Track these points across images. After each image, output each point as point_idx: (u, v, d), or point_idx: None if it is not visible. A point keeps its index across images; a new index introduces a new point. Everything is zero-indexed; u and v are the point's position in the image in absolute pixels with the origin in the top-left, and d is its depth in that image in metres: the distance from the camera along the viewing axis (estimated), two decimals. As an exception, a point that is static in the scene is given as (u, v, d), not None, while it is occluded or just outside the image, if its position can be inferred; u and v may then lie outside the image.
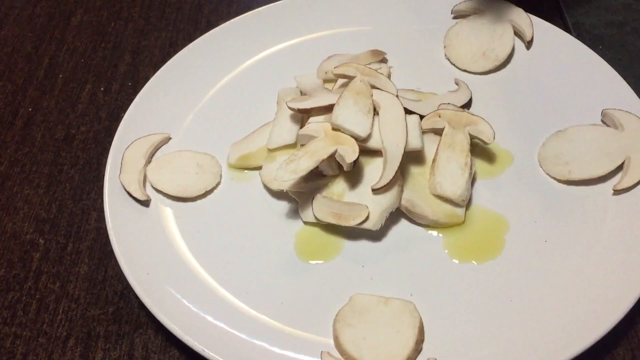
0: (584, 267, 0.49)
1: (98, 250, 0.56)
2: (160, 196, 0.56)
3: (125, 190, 0.55)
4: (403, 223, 0.54)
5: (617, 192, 0.52)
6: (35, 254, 0.56)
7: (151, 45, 0.73)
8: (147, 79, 0.65)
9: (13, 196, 0.61)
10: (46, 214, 0.59)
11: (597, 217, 0.52)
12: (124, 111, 0.61)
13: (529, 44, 0.64)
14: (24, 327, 0.52)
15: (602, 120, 0.57)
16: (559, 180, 0.54)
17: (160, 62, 0.69)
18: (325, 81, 0.62)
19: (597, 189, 0.53)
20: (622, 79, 0.58)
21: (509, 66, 0.63)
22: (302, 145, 0.53)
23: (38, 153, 0.64)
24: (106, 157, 0.58)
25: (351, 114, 0.53)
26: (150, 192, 0.56)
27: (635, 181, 0.52)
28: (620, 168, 0.53)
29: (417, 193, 0.53)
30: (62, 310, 0.53)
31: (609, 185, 0.53)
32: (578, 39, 0.63)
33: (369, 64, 0.64)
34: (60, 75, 0.71)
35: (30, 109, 0.68)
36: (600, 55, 0.61)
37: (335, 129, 0.53)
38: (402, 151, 0.51)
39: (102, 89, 0.69)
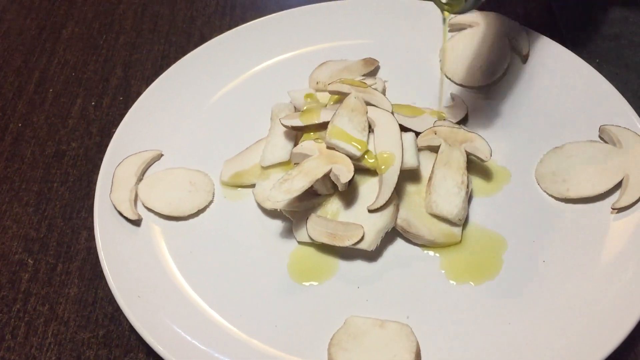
0: (583, 288, 0.48)
1: (88, 270, 0.55)
2: (152, 215, 0.55)
3: (116, 209, 0.54)
4: (399, 243, 0.53)
5: (615, 210, 0.52)
6: (24, 274, 0.55)
7: (143, 59, 0.72)
8: (138, 93, 0.64)
9: (1, 215, 0.60)
10: (35, 233, 0.58)
11: (596, 236, 0.51)
12: (115, 126, 0.60)
13: (525, 58, 0.63)
14: (12, 351, 0.51)
15: (599, 137, 0.56)
16: (557, 198, 0.54)
17: (153, 75, 0.68)
18: (317, 90, 0.61)
19: (595, 207, 0.52)
20: (619, 94, 0.58)
21: (505, 80, 0.62)
22: (296, 164, 0.52)
23: (28, 170, 0.63)
24: (97, 174, 0.57)
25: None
26: (141, 210, 0.55)
27: (634, 199, 0.51)
28: (618, 186, 0.53)
29: (413, 212, 0.52)
30: (51, 333, 0.52)
31: (608, 203, 0.52)
32: (575, 52, 0.62)
33: (363, 74, 0.63)
34: (51, 90, 0.70)
35: (19, 124, 0.67)
36: (597, 70, 0.60)
37: (330, 147, 0.52)
38: (398, 170, 0.51)
39: (93, 103, 0.68)
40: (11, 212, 0.60)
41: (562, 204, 0.53)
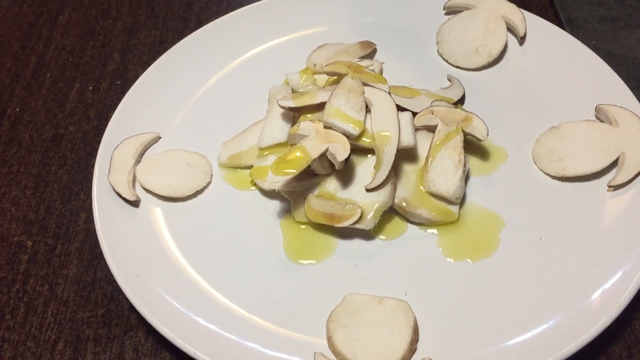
0: (579, 265, 0.48)
1: (87, 251, 0.55)
2: (150, 196, 0.55)
3: (115, 190, 0.54)
4: (396, 221, 0.53)
5: (611, 188, 0.52)
6: (23, 256, 0.56)
7: (140, 44, 0.72)
8: (136, 77, 0.64)
9: (0, 198, 0.60)
10: (34, 215, 0.58)
11: (592, 213, 0.51)
12: (113, 110, 0.60)
13: (522, 40, 0.63)
14: (12, 330, 0.51)
15: (596, 116, 0.56)
16: (553, 177, 0.54)
17: (150, 60, 0.68)
18: (314, 73, 0.62)
19: (591, 185, 0.53)
20: (615, 74, 0.58)
21: (502, 62, 0.63)
22: (294, 144, 0.52)
23: (26, 154, 0.63)
24: (95, 157, 0.57)
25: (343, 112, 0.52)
26: (139, 192, 0.55)
27: (630, 177, 0.51)
28: (614, 164, 0.53)
29: (411, 191, 0.52)
30: (50, 313, 0.52)
31: (604, 181, 0.52)
32: (571, 34, 0.63)
33: (360, 56, 0.63)
34: (48, 75, 0.70)
35: (17, 109, 0.67)
36: (593, 51, 0.60)
37: (327, 127, 0.52)
38: (395, 149, 0.51)
39: (90, 88, 0.68)
40: (10, 195, 0.60)
41: (559, 182, 0.54)
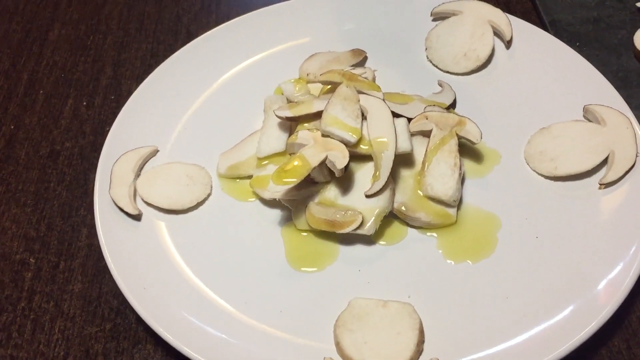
0: (576, 261, 0.50)
1: (91, 267, 0.56)
2: (152, 209, 0.56)
3: (116, 205, 0.55)
4: (396, 225, 0.54)
5: (603, 185, 0.53)
6: (27, 273, 0.56)
7: (132, 57, 0.73)
8: (129, 91, 0.64)
9: (0, 216, 0.60)
10: (35, 232, 0.58)
11: (585, 211, 0.53)
12: (109, 125, 0.61)
13: (508, 44, 0.65)
14: (20, 348, 0.51)
15: (584, 116, 0.58)
16: (546, 177, 0.55)
17: (142, 74, 0.69)
18: (308, 82, 0.63)
19: (583, 184, 0.54)
20: (601, 75, 0.60)
21: (490, 66, 0.64)
22: (292, 153, 0.53)
23: (23, 171, 0.63)
24: (93, 173, 0.57)
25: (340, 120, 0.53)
26: (141, 205, 0.56)
27: (620, 174, 0.53)
28: (604, 162, 0.54)
29: (409, 195, 0.53)
30: (57, 329, 0.52)
31: (595, 179, 0.54)
32: (556, 36, 0.65)
33: (351, 64, 0.64)
34: (41, 91, 0.70)
35: (12, 127, 0.67)
36: (578, 52, 0.62)
37: (325, 135, 0.53)
38: (393, 155, 0.52)
39: (84, 103, 0.69)
40: (9, 213, 0.60)
41: (551, 182, 0.55)
